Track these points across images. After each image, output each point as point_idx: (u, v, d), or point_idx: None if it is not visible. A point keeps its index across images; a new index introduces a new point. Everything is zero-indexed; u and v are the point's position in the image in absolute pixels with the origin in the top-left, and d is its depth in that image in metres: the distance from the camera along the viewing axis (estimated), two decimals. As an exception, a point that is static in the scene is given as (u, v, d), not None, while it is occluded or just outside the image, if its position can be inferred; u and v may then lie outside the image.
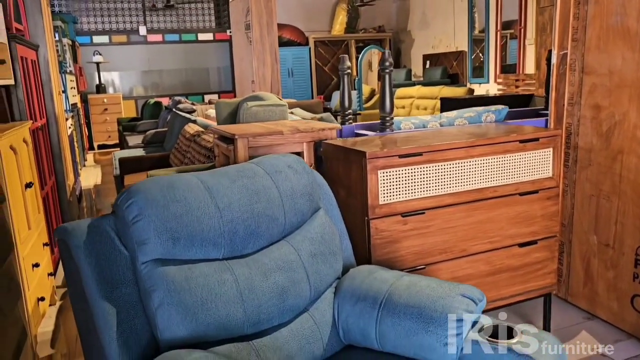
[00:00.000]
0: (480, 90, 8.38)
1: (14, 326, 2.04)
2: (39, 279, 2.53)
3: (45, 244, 2.80)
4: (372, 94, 9.54)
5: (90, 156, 8.97)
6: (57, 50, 5.50)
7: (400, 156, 1.88)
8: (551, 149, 2.16)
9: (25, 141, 2.68)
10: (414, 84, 8.98)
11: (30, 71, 3.18)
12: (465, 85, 8.63)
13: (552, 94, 2.57)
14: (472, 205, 2.04)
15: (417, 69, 10.28)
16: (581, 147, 2.46)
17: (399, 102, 8.29)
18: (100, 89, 9.81)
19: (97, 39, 9.82)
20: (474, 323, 1.40)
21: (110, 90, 10.20)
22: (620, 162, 2.28)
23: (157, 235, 1.25)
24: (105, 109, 9.80)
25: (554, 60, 2.53)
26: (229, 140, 2.26)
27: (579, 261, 2.54)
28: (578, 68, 2.44)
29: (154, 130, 6.40)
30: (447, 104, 5.45)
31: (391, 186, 1.89)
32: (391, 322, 1.41)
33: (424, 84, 8.56)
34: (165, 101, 8.37)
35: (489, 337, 1.34)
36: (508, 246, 2.14)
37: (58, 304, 3.01)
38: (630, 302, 2.30)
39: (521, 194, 2.13)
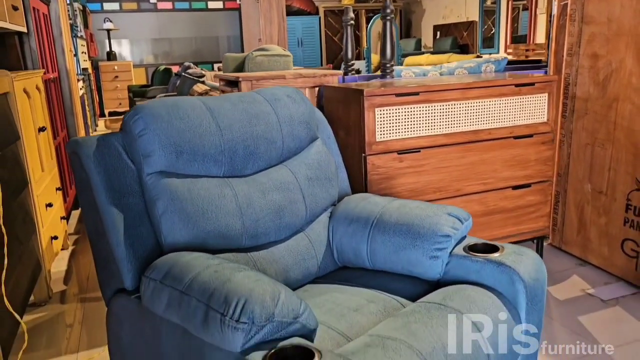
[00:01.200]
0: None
1: (29, 257, 2.16)
2: (52, 219, 2.64)
3: (58, 189, 2.91)
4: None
5: (101, 122, 9.08)
6: (68, 13, 5.55)
7: (397, 95, 1.95)
8: (546, 94, 2.21)
9: (38, 88, 2.77)
10: (422, 53, 8.95)
11: (42, 23, 3.25)
12: (478, 56, 8.59)
13: (552, 45, 2.60)
14: (466, 147, 2.11)
15: (427, 40, 10.21)
16: (578, 97, 2.51)
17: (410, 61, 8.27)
18: (111, 56, 9.88)
19: (107, 5, 9.85)
20: (461, 241, 1.48)
21: (121, 57, 10.25)
22: (615, 109, 2.33)
23: (162, 148, 1.33)
24: (116, 77, 9.87)
25: (554, 11, 2.56)
26: (234, 84, 2.34)
27: (574, 209, 2.61)
28: (578, 18, 2.47)
29: (163, 94, 6.48)
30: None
31: (388, 124, 1.96)
32: (381, 240, 1.50)
33: (433, 53, 8.53)
34: (175, 69, 8.43)
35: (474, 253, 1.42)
36: (502, 188, 2.21)
37: (70, 248, 3.14)
38: (620, 246, 2.37)
39: (516, 138, 2.19)
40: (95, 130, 8.06)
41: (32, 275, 2.16)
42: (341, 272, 1.61)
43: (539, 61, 5.63)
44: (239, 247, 1.43)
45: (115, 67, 9.75)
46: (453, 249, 1.44)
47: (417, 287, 1.43)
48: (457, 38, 9.25)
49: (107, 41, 9.84)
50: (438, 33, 9.90)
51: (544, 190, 2.29)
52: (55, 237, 2.63)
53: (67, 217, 3.17)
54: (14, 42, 2.73)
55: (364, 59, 8.93)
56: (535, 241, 2.41)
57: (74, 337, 2.13)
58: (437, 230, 1.43)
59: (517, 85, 2.14)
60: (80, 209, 3.88)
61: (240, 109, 1.50)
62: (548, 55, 2.66)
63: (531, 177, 2.25)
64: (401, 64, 8.88)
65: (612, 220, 2.41)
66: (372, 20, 9.58)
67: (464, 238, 1.50)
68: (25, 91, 2.45)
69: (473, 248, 1.44)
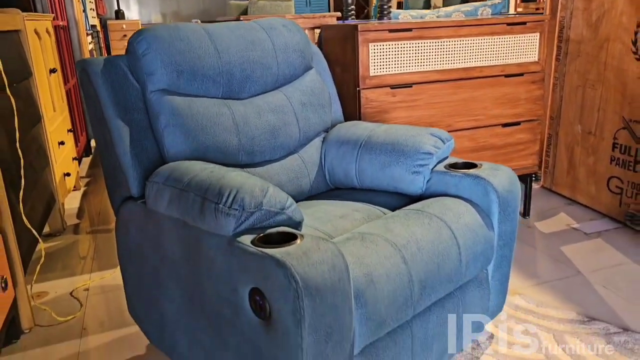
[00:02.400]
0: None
1: (44, 187, 2.30)
2: (64, 157, 2.78)
3: (69, 130, 3.04)
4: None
5: (110, 80, 9.16)
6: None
7: (390, 31, 2.03)
8: (538, 34, 2.27)
9: (48, 32, 2.87)
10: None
11: (50, -30, 3.32)
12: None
13: (549, -11, 2.65)
14: (458, 83, 2.19)
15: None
16: (572, 39, 2.57)
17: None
18: (119, 15, 9.89)
19: (115, -37, 9.80)
20: (443, 160, 1.59)
21: (129, 16, 10.25)
22: (606, 50, 2.39)
23: (164, 67, 1.44)
24: (124, 35, 9.87)
25: (551, -46, 2.60)
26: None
27: (564, 151, 2.70)
28: (573, -40, 2.51)
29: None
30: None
31: (381, 59, 2.05)
32: (368, 158, 1.61)
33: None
34: (183, 26, 8.42)
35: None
36: (492, 125, 2.30)
37: (82, 189, 3.29)
38: (606, 184, 2.47)
39: (506, 76, 2.27)
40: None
41: (46, 205, 2.31)
42: (332, 191, 1.73)
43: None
44: (237, 162, 1.54)
45: (124, 26, 9.76)
46: (435, 166, 1.55)
47: (400, 201, 1.55)
48: (467, -2, 9.15)
49: (115, 0, 9.84)
50: (448, -8, 9.79)
51: (533, 128, 2.38)
52: (68, 174, 2.77)
53: (79, 159, 3.31)
54: (24, -14, 2.82)
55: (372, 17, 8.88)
56: (526, 182, 2.50)
57: (87, 261, 2.28)
58: (420, 148, 1.54)
59: (509, 24, 2.21)
60: (91, 156, 4.03)
61: (238, 34, 1.60)
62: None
63: (521, 116, 2.34)
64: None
65: (599, 159, 2.49)
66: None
67: (446, 158, 1.61)
68: (36, 32, 2.55)
69: (453, 166, 1.54)
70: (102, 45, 8.57)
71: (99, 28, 8.41)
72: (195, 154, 1.45)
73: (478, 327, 1.48)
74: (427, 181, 1.54)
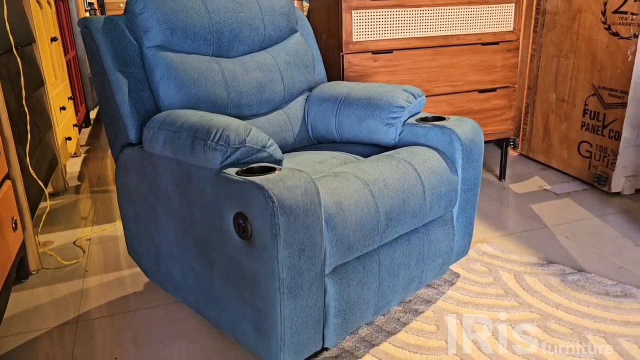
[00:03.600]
0: None
1: (47, 146, 2.44)
2: (65, 122, 2.92)
3: (70, 98, 3.18)
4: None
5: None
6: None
7: (373, -1, 2.16)
8: (513, 5, 2.40)
9: (48, 2, 2.99)
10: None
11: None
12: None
13: (528, -37, 2.77)
14: (436, 50, 2.33)
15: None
16: (548, 11, 2.70)
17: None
18: (117, -7, 9.93)
19: (112, -59, 9.81)
20: (415, 115, 1.74)
21: (126, -5, 10.29)
22: (578, 20, 2.52)
23: (158, 24, 1.58)
24: (121, 6, 9.92)
25: None
26: (228, -7, 2.54)
27: (540, 119, 2.85)
28: None
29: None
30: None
31: (364, 26, 2.18)
32: (347, 113, 1.76)
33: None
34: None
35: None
36: (469, 91, 2.45)
37: (82, 156, 3.43)
38: (577, 148, 2.62)
39: (483, 44, 2.41)
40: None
41: (50, 164, 2.45)
42: (314, 145, 1.88)
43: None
44: (226, 114, 1.69)
45: (121, 5, 9.83)
46: (407, 119, 1.70)
47: (375, 151, 1.70)
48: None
49: (112, -22, 9.88)
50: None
51: (508, 95, 2.52)
52: (69, 138, 2.91)
53: (79, 127, 3.45)
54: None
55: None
56: (502, 146, 2.66)
57: (88, 217, 2.44)
58: (393, 102, 1.68)
59: (485, -5, 2.34)
60: (90, 126, 4.17)
61: (227, -3, 1.73)
62: (524, -27, 2.83)
63: (496, 82, 2.48)
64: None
65: (571, 125, 2.65)
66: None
67: (418, 113, 1.76)
68: (37, 1, 2.67)
69: (424, 119, 1.69)
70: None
71: (96, 7, 8.48)
72: (187, 105, 1.60)
73: (444, 263, 1.64)
74: (400, 133, 1.69)
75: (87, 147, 3.63)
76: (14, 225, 1.70)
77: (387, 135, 1.69)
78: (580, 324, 1.51)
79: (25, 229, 1.85)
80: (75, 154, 3.33)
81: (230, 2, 1.73)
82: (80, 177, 3.03)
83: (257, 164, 1.27)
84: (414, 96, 1.72)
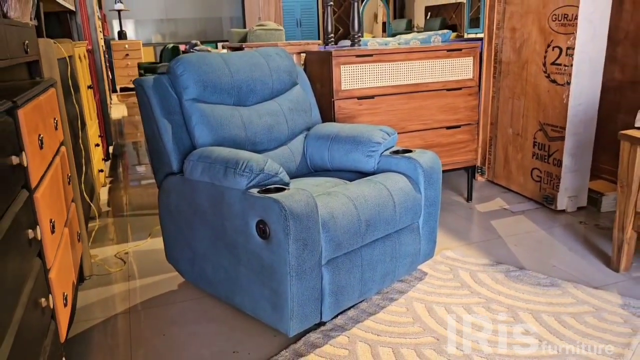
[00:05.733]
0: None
1: (89, 178, 2.94)
2: (98, 156, 3.42)
3: (100, 135, 3.69)
4: (373, 42, 10.19)
5: (114, 97, 9.82)
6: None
7: (357, 56, 2.71)
8: (472, 57, 2.96)
9: (85, 56, 3.53)
10: (411, 32, 9.61)
11: (81, 3, 4.00)
12: (462, 35, 9.29)
13: (486, 21, 3.35)
14: (410, 96, 2.87)
15: (419, 20, 10.87)
16: (503, 61, 3.26)
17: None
18: (122, 35, 10.59)
19: (118, -13, 10.51)
20: (389, 148, 2.25)
21: (130, 37, 10.94)
22: (526, 69, 3.08)
23: (194, 83, 2.10)
24: (127, 55, 10.57)
25: (487, -6, 3.30)
26: (239, 49, 3.09)
27: (501, 149, 3.38)
28: (502, 0, 3.21)
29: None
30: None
31: (350, 77, 2.72)
32: (337, 147, 2.27)
33: (420, 32, 9.21)
34: (182, 47, 9.13)
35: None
36: (438, 128, 2.98)
37: (108, 186, 3.92)
38: (530, 174, 3.15)
39: (448, 90, 2.95)
40: (110, 104, 8.81)
41: (91, 192, 2.95)
42: (311, 173, 2.39)
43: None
44: (244, 149, 2.20)
45: (126, 46, 10.47)
46: (383, 152, 2.21)
47: (359, 176, 2.20)
48: (446, 19, 9.93)
49: (117, 21, 10.55)
50: (429, 14, 10.58)
51: (471, 131, 3.05)
52: (101, 170, 3.41)
53: (105, 160, 3.96)
54: (67, 18, 3.48)
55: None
56: (468, 172, 3.17)
57: (123, 235, 2.92)
58: (372, 139, 2.20)
59: (448, 51, 2.89)
60: (109, 160, 4.67)
61: (244, 60, 2.27)
62: (483, 28, 3.40)
63: (460, 120, 3.01)
64: (391, 43, 9.56)
65: (525, 155, 3.18)
66: (364, 3, 10.26)
67: (392, 147, 2.27)
68: (79, 56, 3.21)
69: (396, 152, 2.21)
70: (106, 65, 9.26)
71: (104, 48, 9.10)
72: (215, 143, 2.11)
73: (413, 261, 2.13)
74: (377, 162, 2.20)
75: (110, 178, 4.12)
76: (78, 238, 2.18)
77: (368, 164, 2.20)
78: (515, 305, 2.00)
79: (82, 242, 2.33)
80: (102, 184, 3.82)
81: (247, 64, 2.26)
82: (109, 203, 3.52)
83: (272, 186, 1.78)
84: (388, 134, 2.24)
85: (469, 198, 3.21)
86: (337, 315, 1.94)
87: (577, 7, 2.67)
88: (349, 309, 1.99)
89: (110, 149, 5.12)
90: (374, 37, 10.36)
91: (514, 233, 2.71)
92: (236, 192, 1.78)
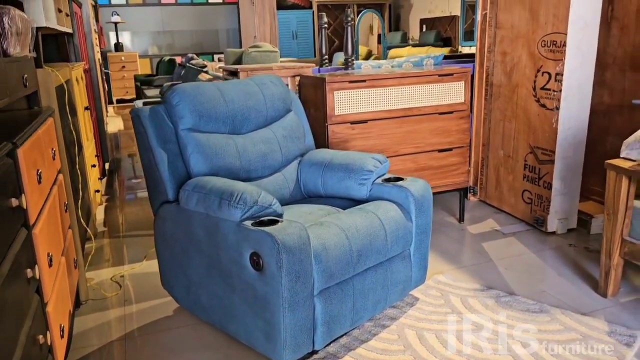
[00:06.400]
0: (470, 52, 9.10)
1: (84, 203, 2.97)
2: (94, 177, 3.45)
3: (96, 155, 3.72)
4: (368, 54, 10.28)
5: (110, 109, 9.85)
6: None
7: (350, 82, 2.76)
8: (463, 82, 3.01)
9: (82, 77, 3.57)
10: (406, 46, 9.70)
11: (79, 23, 4.04)
12: (456, 48, 9.39)
13: (478, 45, 3.41)
14: (402, 120, 2.92)
15: (414, 32, 10.96)
16: (495, 84, 3.32)
17: (394, 53, 9.08)
18: (118, 47, 10.64)
19: (115, 0, 10.58)
20: (381, 176, 2.29)
21: (127, 49, 10.99)
22: (516, 93, 3.14)
23: (190, 113, 2.14)
24: (123, 67, 10.62)
25: (478, 18, 3.37)
26: (235, 73, 3.14)
27: (493, 171, 3.43)
28: (493, 24, 3.27)
29: (170, 83, 7.25)
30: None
31: (344, 103, 2.77)
32: (330, 174, 2.32)
33: (415, 45, 9.31)
34: (178, 59, 9.19)
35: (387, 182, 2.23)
36: (430, 151, 3.02)
37: (104, 204, 3.95)
38: (521, 195, 3.20)
39: (440, 114, 3.00)
40: (107, 116, 8.84)
41: (87, 214, 2.98)
42: (305, 199, 2.43)
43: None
44: (239, 178, 2.23)
45: (123, 58, 10.52)
46: (375, 180, 2.26)
47: (350, 204, 2.24)
48: (440, 32, 10.03)
49: (114, 33, 10.61)
50: (424, 27, 10.69)
51: (462, 153, 3.10)
52: (97, 191, 3.44)
53: (101, 178, 3.99)
54: (64, 41, 3.52)
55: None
56: (459, 193, 3.22)
57: (118, 256, 2.95)
58: (364, 167, 2.25)
59: (440, 76, 2.95)
60: (105, 177, 4.70)
61: (239, 89, 2.31)
62: (476, 52, 3.47)
63: (452, 143, 3.06)
64: (386, 56, 9.66)
65: (516, 177, 3.23)
66: (360, 16, 10.34)
67: (384, 174, 2.31)
68: (76, 79, 3.25)
69: (388, 180, 2.25)
70: (102, 78, 9.30)
71: (100, 61, 9.14)
72: (211, 172, 2.15)
73: (404, 288, 2.16)
74: (370, 190, 2.24)
75: (106, 197, 4.15)
76: (75, 265, 2.21)
77: (360, 192, 2.24)
78: (504, 332, 2.04)
79: (79, 268, 2.36)
80: (99, 204, 3.85)
81: (241, 93, 2.30)
82: (105, 223, 3.55)
83: (265, 217, 1.81)
84: (380, 162, 2.29)
85: (461, 219, 3.26)
86: (329, 343, 1.97)
87: (565, 34, 2.73)
88: (341, 336, 2.02)
89: (107, 165, 5.15)
90: (369, 49, 10.46)
91: (505, 256, 2.76)
92: (230, 224, 1.81)
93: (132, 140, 7.10)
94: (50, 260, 1.61)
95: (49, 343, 1.47)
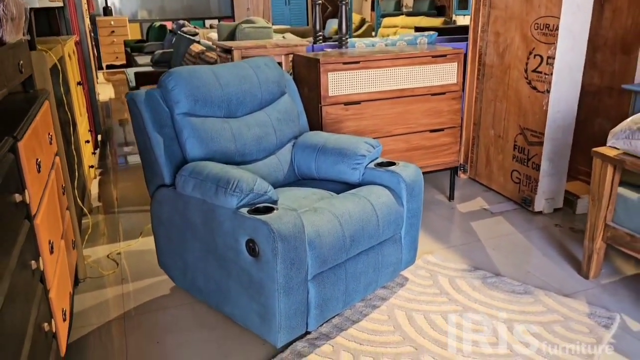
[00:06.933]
0: (464, 21, 9.01)
1: (80, 181, 2.99)
2: (88, 153, 3.47)
3: (89, 130, 3.72)
4: (362, 22, 10.17)
5: (100, 75, 9.72)
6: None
7: (344, 63, 2.77)
8: (456, 63, 3.03)
9: (74, 51, 3.53)
10: (400, 14, 9.60)
11: (69, -5, 3.97)
12: (450, 17, 9.29)
13: (471, 24, 3.41)
14: (395, 101, 2.94)
15: (408, 0, 10.81)
16: (487, 64, 3.34)
17: (385, 30, 8.99)
18: (107, 11, 10.43)
19: (103, -38, 10.31)
20: (374, 160, 2.34)
21: (116, 12, 10.78)
22: (508, 74, 3.16)
23: (186, 97, 2.16)
24: (112, 31, 10.43)
25: (473, -3, 3.36)
26: (228, 51, 3.13)
27: (483, 149, 3.49)
28: (487, 4, 3.27)
29: (161, 51, 7.17)
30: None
31: (337, 84, 2.78)
32: (323, 158, 2.36)
33: (408, 14, 9.21)
34: (169, 25, 9.04)
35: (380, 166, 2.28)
36: (422, 131, 3.06)
37: (98, 178, 3.97)
38: (510, 175, 3.26)
39: (432, 94, 3.03)
40: (97, 83, 8.73)
41: (82, 191, 3.00)
42: (299, 181, 2.48)
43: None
44: (234, 161, 2.27)
45: (112, 22, 10.32)
46: (367, 164, 2.30)
47: (343, 188, 2.29)
48: (434, 0, 9.91)
49: (103, -3, 10.37)
50: (418, -6, 10.54)
51: (454, 133, 3.14)
52: (92, 166, 3.46)
53: (95, 152, 4.00)
54: (55, 14, 3.47)
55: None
56: (450, 172, 3.28)
57: (114, 232, 3.00)
58: (357, 152, 2.29)
59: (433, 57, 2.96)
60: (98, 149, 4.70)
61: (234, 73, 2.32)
62: (469, 31, 3.47)
63: (444, 124, 3.10)
64: (380, 25, 9.56)
65: (505, 157, 3.28)
66: (354, -16, 10.17)
67: (377, 158, 2.36)
68: (68, 54, 3.22)
69: (380, 164, 2.29)
70: (92, 43, 9.13)
71: (89, 26, 8.96)
72: (207, 156, 2.18)
73: (395, 270, 2.24)
74: (362, 174, 2.29)
75: (100, 170, 4.17)
76: (73, 245, 2.26)
77: (353, 176, 2.29)
78: (489, 313, 2.13)
79: (77, 247, 2.41)
80: (93, 176, 3.87)
81: (236, 76, 2.32)
82: (100, 197, 3.58)
83: (261, 204, 1.86)
84: (373, 147, 2.33)
85: (451, 197, 3.32)
86: (322, 324, 2.05)
87: (559, 18, 2.75)
88: (334, 316, 2.10)
89: (99, 137, 5.14)
90: (362, 17, 10.34)
91: (493, 236, 2.84)
92: (227, 211, 1.86)
93: (122, 105, 7.09)
94: (52, 247, 1.66)
95: (54, 330, 1.53)
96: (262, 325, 1.86)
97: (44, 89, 2.20)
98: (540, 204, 3.08)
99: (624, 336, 1.99)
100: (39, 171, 1.65)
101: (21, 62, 1.87)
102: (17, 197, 1.33)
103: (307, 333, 2.02)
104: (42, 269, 1.48)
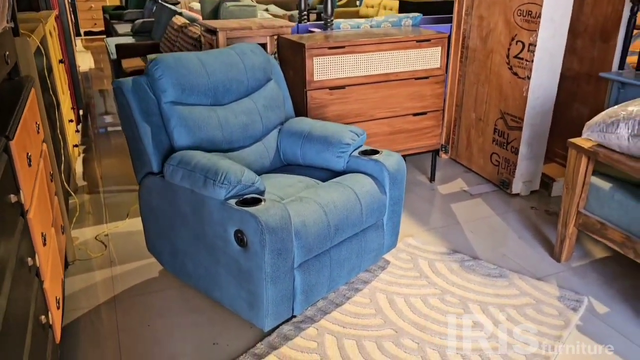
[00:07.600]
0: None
1: (65, 161, 3.00)
2: (72, 132, 3.46)
3: (72, 108, 3.70)
4: (346, -5, 10.03)
5: (78, 42, 9.50)
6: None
7: (329, 48, 2.79)
8: (440, 47, 3.07)
9: (54, 27, 3.48)
10: (384, -16, 9.47)
11: (47, -33, 3.87)
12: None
13: (456, 7, 3.43)
14: (379, 85, 2.98)
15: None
16: (470, 48, 3.38)
17: (370, 1, 8.90)
18: (85, -24, 10.11)
19: None
20: (358, 148, 2.39)
21: (94, -23, 10.46)
22: (491, 58, 3.21)
23: (172, 86, 2.17)
24: (92, 7, 10.16)
25: (458, -21, 3.37)
26: (213, 32, 3.12)
27: (464, 131, 3.56)
28: (472, -13, 3.29)
29: (141, 20, 7.03)
30: (405, 7, 6.20)
31: (323, 68, 2.81)
32: (309, 146, 2.41)
33: (393, -14, 9.10)
34: (149, -8, 8.79)
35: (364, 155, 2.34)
36: (405, 115, 3.12)
37: (81, 156, 3.97)
38: (490, 158, 3.35)
39: (416, 79, 3.07)
40: (76, 51, 8.54)
41: (68, 172, 3.01)
42: (284, 167, 2.53)
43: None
44: (221, 149, 2.30)
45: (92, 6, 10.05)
46: (352, 152, 2.36)
47: (328, 175, 2.35)
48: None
49: (80, -39, 10.04)
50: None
51: (436, 117, 3.20)
52: (76, 145, 3.46)
53: (78, 130, 3.98)
54: (34, -11, 3.40)
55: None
56: (431, 154, 3.35)
57: (101, 215, 3.03)
58: (342, 140, 2.34)
59: (417, 41, 2.99)
60: (80, 124, 4.67)
61: (220, 60, 2.33)
62: (453, 13, 3.49)
63: (427, 107, 3.15)
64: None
65: (486, 139, 3.36)
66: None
67: (360, 146, 2.41)
68: (49, 32, 3.18)
69: (364, 152, 2.35)
70: (69, 8, 8.88)
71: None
72: (194, 145, 2.21)
73: (377, 254, 2.33)
74: (347, 162, 2.35)
75: (83, 147, 4.15)
76: (62, 230, 2.30)
77: (338, 164, 2.35)
78: (466, 296, 2.24)
79: (65, 231, 2.45)
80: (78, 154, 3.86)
81: (223, 64, 2.33)
82: (84, 176, 3.59)
83: (249, 196, 1.92)
84: (357, 135, 2.38)
85: (432, 178, 3.41)
86: (307, 307, 2.14)
87: (541, 5, 2.79)
88: (318, 300, 2.19)
89: (81, 111, 5.09)
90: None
91: (471, 218, 2.94)
92: (215, 202, 1.91)
93: (102, 73, 7.01)
94: (44, 239, 1.70)
95: (50, 322, 1.58)
96: (251, 311, 1.94)
97: (29, 75, 2.19)
98: (517, 186, 3.18)
99: (590, 318, 2.12)
100: (29, 165, 1.67)
101: (7, 52, 1.87)
102: (13, 198, 1.36)
103: (293, 317, 2.10)
104: (37, 265, 1.52)
